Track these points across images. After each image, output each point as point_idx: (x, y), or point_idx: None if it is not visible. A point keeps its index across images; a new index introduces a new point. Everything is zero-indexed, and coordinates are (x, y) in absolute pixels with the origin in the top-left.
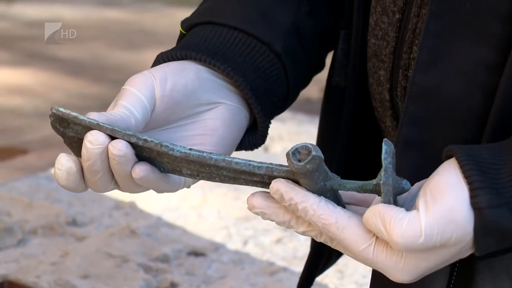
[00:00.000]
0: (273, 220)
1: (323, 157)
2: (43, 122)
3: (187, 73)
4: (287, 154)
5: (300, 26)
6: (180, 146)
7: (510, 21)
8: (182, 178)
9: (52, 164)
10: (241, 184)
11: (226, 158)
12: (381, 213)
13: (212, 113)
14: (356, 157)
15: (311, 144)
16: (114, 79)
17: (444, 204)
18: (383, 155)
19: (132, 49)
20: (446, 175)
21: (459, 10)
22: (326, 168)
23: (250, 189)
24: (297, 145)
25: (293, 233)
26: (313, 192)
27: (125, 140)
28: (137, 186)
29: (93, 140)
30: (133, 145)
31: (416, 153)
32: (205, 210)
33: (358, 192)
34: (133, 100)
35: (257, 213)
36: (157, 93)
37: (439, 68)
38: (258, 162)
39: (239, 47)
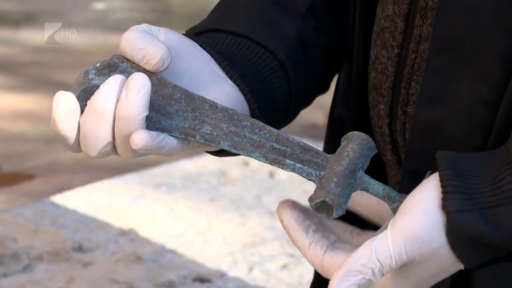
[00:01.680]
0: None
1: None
2: (49, 147)
3: (184, 38)
4: (347, 133)
5: (305, 39)
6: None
7: (508, 61)
8: (174, 142)
9: (58, 190)
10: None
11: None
12: (343, 271)
13: (219, 86)
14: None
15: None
16: None
17: (408, 222)
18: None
19: None
20: (419, 192)
21: (459, 48)
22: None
23: (255, 215)
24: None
25: (299, 259)
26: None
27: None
28: (134, 152)
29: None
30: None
31: (419, 183)
32: (210, 236)
33: (378, 197)
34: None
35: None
36: (161, 39)
37: (440, 104)
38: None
39: (242, 52)
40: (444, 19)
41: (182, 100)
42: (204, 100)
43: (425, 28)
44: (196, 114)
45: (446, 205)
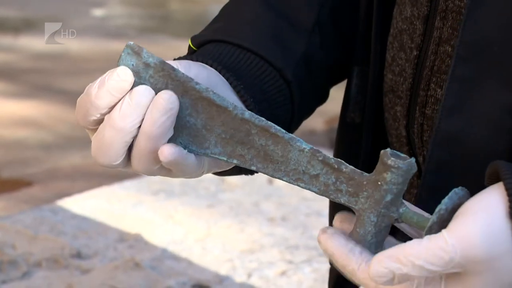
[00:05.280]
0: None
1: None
2: (48, 154)
3: (209, 69)
4: (385, 152)
5: (311, 55)
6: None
7: None
8: (203, 161)
9: (56, 197)
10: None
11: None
12: (387, 254)
13: None
14: None
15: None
16: None
17: (465, 228)
18: (446, 200)
19: None
20: (477, 200)
21: (487, 53)
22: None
23: (254, 221)
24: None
25: (297, 265)
26: (371, 215)
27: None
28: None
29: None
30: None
31: (441, 199)
32: (209, 243)
33: (417, 227)
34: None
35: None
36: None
37: (465, 113)
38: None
39: (250, 68)
40: (473, 24)
41: (221, 124)
42: (252, 124)
43: (445, 30)
44: (238, 137)
45: None
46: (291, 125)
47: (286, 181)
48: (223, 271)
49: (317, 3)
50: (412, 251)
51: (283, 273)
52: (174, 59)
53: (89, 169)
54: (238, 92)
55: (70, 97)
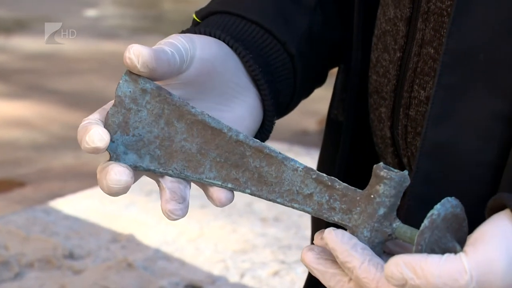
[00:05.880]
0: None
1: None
2: (40, 154)
3: (227, 50)
4: (377, 165)
5: (313, 32)
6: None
7: None
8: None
9: (49, 197)
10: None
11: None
12: (405, 260)
13: (240, 100)
14: None
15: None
16: None
17: (485, 253)
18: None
19: None
20: (492, 225)
21: (473, 61)
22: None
23: (247, 221)
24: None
25: (290, 266)
26: (364, 228)
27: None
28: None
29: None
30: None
31: (429, 210)
32: (202, 243)
33: (411, 243)
34: (172, 45)
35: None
36: (197, 54)
37: (452, 121)
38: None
39: (255, 40)
40: (458, 31)
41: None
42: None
43: (427, 32)
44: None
45: None
46: (290, 104)
47: (280, 203)
48: (215, 271)
49: None
50: (430, 267)
51: (275, 273)
52: (180, 32)
53: (82, 170)
54: (246, 62)
55: (63, 97)
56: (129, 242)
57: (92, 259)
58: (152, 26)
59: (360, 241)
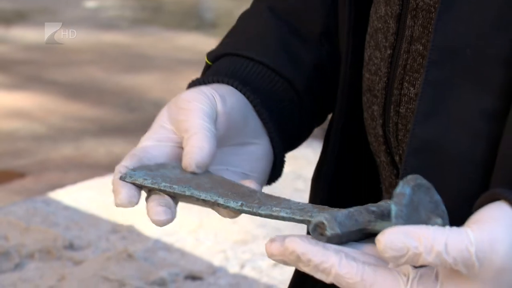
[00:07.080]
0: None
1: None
2: (40, 145)
3: (240, 97)
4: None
5: (320, 64)
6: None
7: (511, 66)
8: None
9: (49, 188)
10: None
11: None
12: (406, 229)
13: (255, 144)
14: (349, 194)
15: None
16: (112, 103)
17: (490, 232)
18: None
19: (130, 73)
20: (494, 209)
21: (459, 58)
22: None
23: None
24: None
25: None
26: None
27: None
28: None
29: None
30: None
31: None
32: (202, 234)
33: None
34: (205, 116)
35: (278, 261)
36: (219, 109)
37: (440, 118)
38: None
39: (263, 80)
40: (444, 27)
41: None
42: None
43: (416, 28)
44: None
45: None
46: (301, 136)
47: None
48: (216, 262)
49: (323, 14)
50: (435, 235)
51: (276, 264)
52: (191, 82)
53: (82, 161)
54: (255, 107)
55: (62, 88)
56: (129, 232)
57: (92, 249)
58: (151, 17)
59: (336, 229)
